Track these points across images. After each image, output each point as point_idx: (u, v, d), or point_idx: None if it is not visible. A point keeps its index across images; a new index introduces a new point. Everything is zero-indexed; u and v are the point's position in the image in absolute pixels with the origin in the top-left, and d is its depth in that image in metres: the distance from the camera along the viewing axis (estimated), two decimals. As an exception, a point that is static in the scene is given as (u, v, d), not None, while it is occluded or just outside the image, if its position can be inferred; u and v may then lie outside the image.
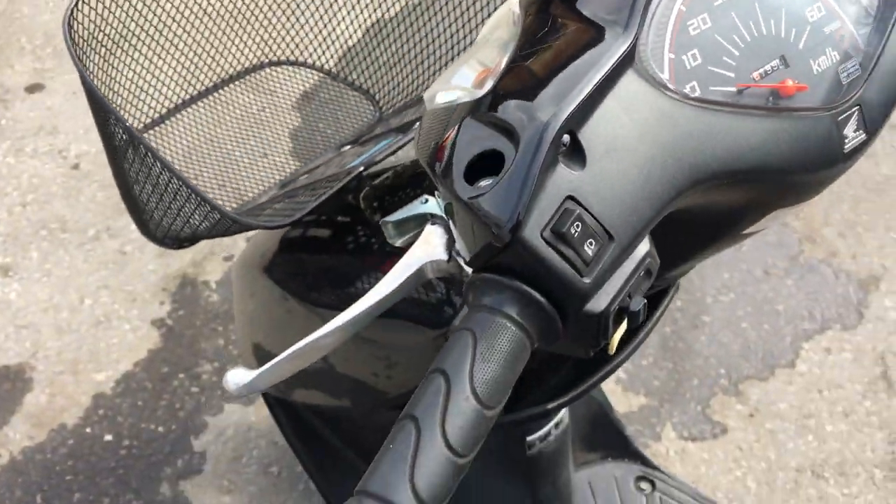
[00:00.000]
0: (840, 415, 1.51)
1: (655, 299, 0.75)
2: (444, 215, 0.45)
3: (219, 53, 0.97)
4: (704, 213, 0.47)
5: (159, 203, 0.73)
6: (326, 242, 0.81)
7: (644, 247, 0.41)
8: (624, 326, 0.43)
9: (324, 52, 1.00)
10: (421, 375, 0.66)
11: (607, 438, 1.15)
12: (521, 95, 0.40)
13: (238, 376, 0.48)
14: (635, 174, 0.40)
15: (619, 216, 0.40)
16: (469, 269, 0.43)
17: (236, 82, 1.04)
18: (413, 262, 0.45)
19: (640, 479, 1.14)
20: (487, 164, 0.40)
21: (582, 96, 0.39)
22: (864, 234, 1.79)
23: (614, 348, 0.43)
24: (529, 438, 0.89)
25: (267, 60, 1.05)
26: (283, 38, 1.00)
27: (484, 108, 0.41)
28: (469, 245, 0.42)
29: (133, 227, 1.65)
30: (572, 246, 0.38)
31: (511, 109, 0.40)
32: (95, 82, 0.75)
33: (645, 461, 1.15)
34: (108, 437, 1.49)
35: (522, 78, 0.42)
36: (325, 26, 0.97)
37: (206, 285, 1.71)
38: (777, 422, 1.51)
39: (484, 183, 0.40)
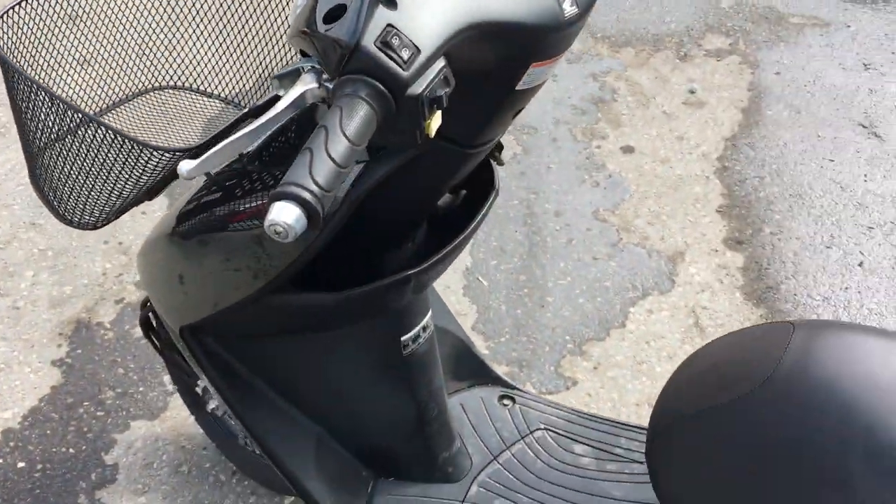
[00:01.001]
0: (666, 358, 1.81)
1: (480, 202, 1.01)
2: (314, 65, 0.69)
3: (111, 79, 1.17)
4: (483, 69, 0.74)
5: (52, 155, 0.91)
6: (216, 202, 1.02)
7: (441, 62, 0.67)
8: (438, 117, 0.68)
9: (198, 76, 1.21)
10: (293, 255, 0.87)
11: (471, 369, 1.39)
12: None
13: (188, 164, 0.69)
14: (429, 13, 0.66)
15: (422, 37, 0.65)
16: (331, 86, 0.66)
17: (123, 106, 1.24)
18: (297, 91, 0.68)
19: (502, 397, 1.37)
20: (337, 14, 0.65)
21: None
22: (668, 221, 2.16)
23: (432, 131, 0.68)
24: (403, 338, 1.11)
25: (150, 86, 1.26)
26: (164, 66, 1.21)
27: None
28: (331, 66, 0.66)
29: (23, 284, 1.83)
30: (395, 51, 0.64)
31: None
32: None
33: (505, 383, 1.39)
34: (22, 464, 1.58)
35: None
36: (197, 54, 1.19)
37: (101, 325, 1.85)
38: (616, 370, 1.79)
39: (336, 24, 0.65)
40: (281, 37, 1.13)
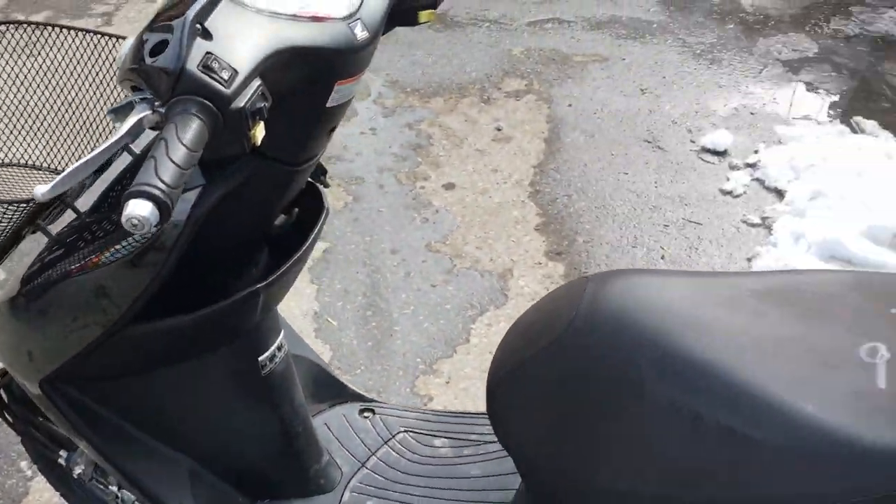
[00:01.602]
0: (509, 363, 1.98)
1: (312, 222, 1.13)
2: (145, 96, 0.79)
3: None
4: (296, 88, 0.87)
5: None
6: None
7: (258, 81, 0.79)
8: (261, 127, 0.80)
9: (25, 151, 1.26)
10: (141, 285, 0.95)
11: (330, 391, 1.48)
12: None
13: (42, 187, 0.76)
14: (241, 42, 0.78)
15: (238, 61, 0.77)
16: (164, 110, 0.77)
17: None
18: (134, 118, 0.78)
19: (363, 410, 1.47)
20: (161, 48, 0.77)
21: (202, 4, 0.77)
22: (494, 244, 2.36)
23: (258, 140, 0.80)
24: (261, 359, 1.20)
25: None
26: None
27: (153, 23, 0.79)
28: (161, 92, 0.76)
29: None
30: (216, 72, 0.75)
31: (166, 18, 0.78)
32: None
33: (364, 398, 1.49)
34: None
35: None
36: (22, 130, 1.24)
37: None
38: (467, 381, 1.93)
39: (161, 56, 0.76)
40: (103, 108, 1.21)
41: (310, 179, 1.15)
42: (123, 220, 0.67)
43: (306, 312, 2.10)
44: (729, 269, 2.24)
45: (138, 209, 0.67)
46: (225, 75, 0.76)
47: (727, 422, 0.85)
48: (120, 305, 1.00)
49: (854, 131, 2.83)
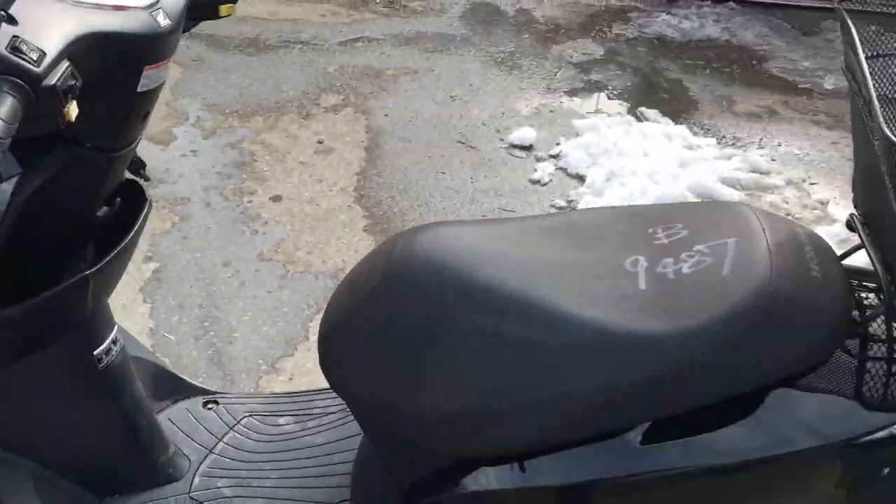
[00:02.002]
0: (348, 354, 2.07)
1: (135, 216, 1.18)
2: None
3: None
4: (106, 72, 0.93)
5: None
6: None
7: (66, 63, 0.85)
8: (74, 106, 0.86)
9: None
10: None
11: (171, 387, 1.51)
12: None
13: None
14: (47, 27, 0.84)
15: (45, 43, 0.83)
16: None
17: None
18: None
19: (206, 403, 1.51)
20: None
21: None
22: (325, 247, 2.46)
23: (72, 116, 0.86)
24: (96, 352, 1.23)
25: None
26: None
27: None
28: None
29: None
30: (25, 53, 0.81)
31: None
32: None
33: (206, 391, 1.54)
34: None
35: None
36: None
37: None
38: (310, 376, 2.01)
39: None
40: None
41: (131, 176, 1.20)
42: None
43: (141, 331, 2.10)
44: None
45: None
46: (34, 56, 0.82)
47: (522, 334, 0.99)
48: None
49: (639, 120, 3.16)
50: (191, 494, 1.34)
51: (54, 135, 0.99)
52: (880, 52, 1.03)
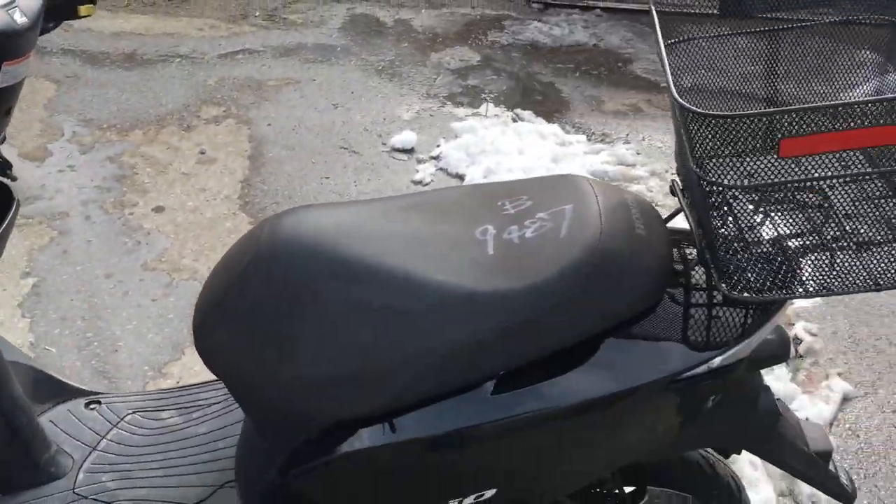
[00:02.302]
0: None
1: (1, 214, 1.20)
2: None
3: None
4: None
5: None
6: None
7: None
8: None
9: None
10: None
11: (52, 391, 1.51)
12: None
13: None
14: None
15: None
16: None
17: None
18: None
19: (88, 403, 1.53)
20: None
21: None
22: (211, 254, 2.48)
23: None
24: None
25: None
26: None
27: None
28: None
29: None
30: None
31: None
32: None
33: (88, 392, 1.55)
34: None
35: None
36: None
37: None
38: (198, 377, 2.02)
39: None
40: None
41: (-1, 178, 1.22)
42: None
43: (21, 344, 2.07)
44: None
45: None
46: None
47: (385, 301, 1.07)
48: None
49: (514, 120, 3.31)
50: (75, 490, 1.36)
51: None
52: (679, 38, 1.18)
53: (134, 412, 1.51)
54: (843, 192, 1.10)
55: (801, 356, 2.25)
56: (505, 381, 1.08)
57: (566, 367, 1.08)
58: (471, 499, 1.13)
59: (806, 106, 0.87)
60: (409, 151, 3.08)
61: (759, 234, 1.08)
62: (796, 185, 0.97)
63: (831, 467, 1.32)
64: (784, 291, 1.02)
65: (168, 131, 3.10)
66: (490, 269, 1.08)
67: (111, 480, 1.38)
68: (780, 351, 1.21)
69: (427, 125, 3.27)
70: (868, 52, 1.17)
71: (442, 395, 1.09)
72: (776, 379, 2.10)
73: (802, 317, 2.40)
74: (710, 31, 1.25)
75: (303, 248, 1.12)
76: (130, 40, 3.76)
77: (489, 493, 1.13)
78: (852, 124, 0.84)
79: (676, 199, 1.22)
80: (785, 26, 1.22)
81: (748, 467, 1.88)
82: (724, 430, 1.21)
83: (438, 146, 3.10)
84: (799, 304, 2.45)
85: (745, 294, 1.03)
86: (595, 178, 2.88)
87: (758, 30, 1.25)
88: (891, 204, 1.06)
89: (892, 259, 1.01)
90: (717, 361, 1.09)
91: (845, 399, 2.13)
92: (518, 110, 3.39)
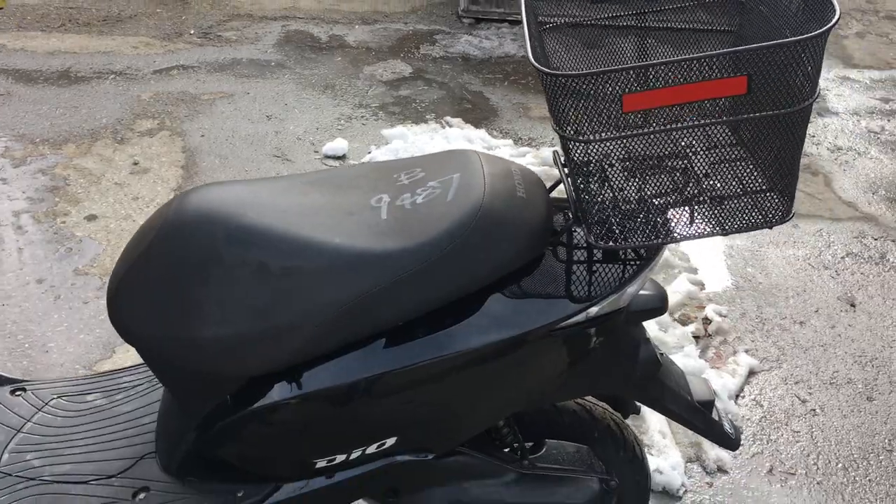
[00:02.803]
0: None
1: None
2: None
3: None
4: None
5: None
6: None
7: None
8: None
9: None
10: None
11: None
12: None
13: None
14: None
15: None
16: None
17: None
18: None
19: (14, 390, 1.57)
20: None
21: None
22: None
23: None
24: None
25: None
26: None
27: None
28: None
29: None
30: None
31: None
32: None
33: (13, 380, 1.59)
34: None
35: None
36: None
37: None
38: (129, 374, 2.07)
39: None
40: None
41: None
42: None
43: (-50, 349, 2.09)
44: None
45: None
46: None
47: (282, 263, 1.15)
48: None
49: (444, 127, 3.42)
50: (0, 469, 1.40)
51: None
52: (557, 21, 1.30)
53: (59, 397, 1.56)
54: (703, 158, 1.22)
55: (709, 335, 2.38)
56: (398, 334, 1.17)
57: (456, 320, 1.17)
58: (374, 447, 1.21)
59: (640, 64, 0.98)
60: (340, 158, 3.17)
61: (627, 194, 1.19)
62: (643, 136, 1.08)
63: (714, 415, 1.43)
64: (643, 238, 1.13)
65: (101, 144, 3.15)
66: (382, 232, 1.17)
67: (35, 458, 1.42)
68: (658, 304, 1.32)
69: (359, 133, 3.36)
70: (723, 29, 1.30)
71: (339, 349, 1.17)
72: (685, 356, 2.23)
73: (713, 300, 2.53)
74: (586, 17, 1.37)
75: (206, 217, 1.20)
76: (64, 59, 3.79)
77: (390, 442, 1.22)
78: (681, 80, 0.95)
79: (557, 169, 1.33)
80: (652, 9, 1.35)
81: (657, 436, 1.99)
82: (607, 377, 1.31)
83: (369, 152, 3.20)
84: (710, 288, 2.59)
85: (610, 243, 1.14)
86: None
87: (629, 13, 1.37)
88: (741, 165, 1.18)
89: (738, 209, 1.13)
90: (594, 310, 1.20)
91: (751, 373, 2.27)
92: (448, 118, 3.51)
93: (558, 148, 1.36)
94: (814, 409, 2.17)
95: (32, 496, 1.35)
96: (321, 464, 1.22)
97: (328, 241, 1.16)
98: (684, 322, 2.42)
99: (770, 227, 1.10)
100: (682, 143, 1.21)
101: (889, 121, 3.82)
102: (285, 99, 3.62)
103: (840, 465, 2.01)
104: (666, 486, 1.89)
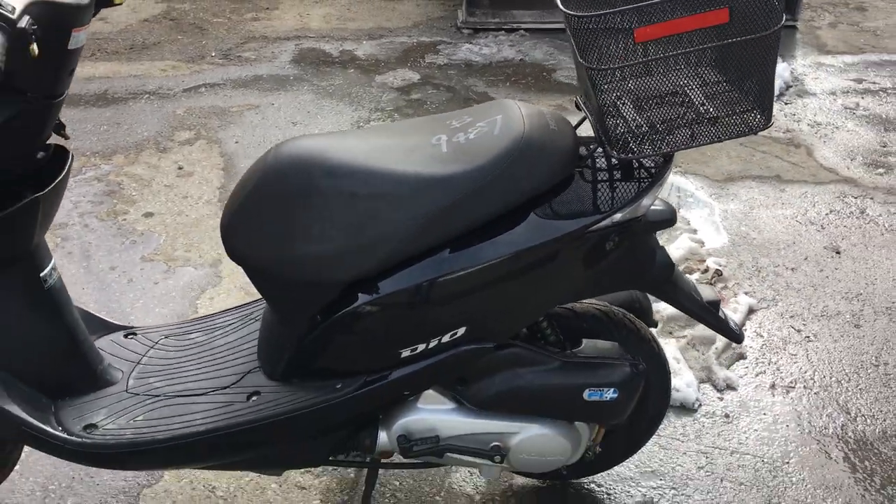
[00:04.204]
0: (235, 318, 2.42)
1: (60, 166, 1.55)
2: None
3: None
4: (51, 32, 1.31)
5: None
6: None
7: (27, 17, 1.24)
8: (35, 45, 1.24)
9: None
10: None
11: (93, 325, 1.81)
12: None
13: None
14: None
15: (13, 3, 1.22)
16: None
17: None
18: None
19: (126, 335, 1.84)
20: None
21: None
22: (201, 245, 2.81)
23: (35, 53, 1.24)
24: (42, 274, 1.57)
25: None
26: None
27: None
28: None
29: None
30: (4, 7, 1.20)
31: None
32: None
33: (125, 327, 1.86)
34: None
35: None
36: None
37: None
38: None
39: None
40: None
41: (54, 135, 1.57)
42: None
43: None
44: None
45: None
46: (9, 9, 1.21)
47: (368, 191, 1.44)
48: None
49: (456, 123, 3.73)
50: (127, 390, 1.68)
51: (2, 86, 1.36)
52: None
53: (166, 337, 1.84)
54: (697, 92, 1.52)
55: (712, 283, 2.67)
56: (464, 241, 1.46)
57: (508, 227, 1.47)
58: (447, 336, 1.50)
59: (649, 2, 1.29)
60: (365, 155, 3.47)
61: (640, 121, 1.49)
62: (654, 61, 1.39)
63: (721, 315, 1.72)
64: (655, 149, 1.43)
65: (147, 153, 3.44)
66: (446, 160, 1.47)
67: (157, 381, 1.70)
68: (669, 216, 1.61)
69: (379, 133, 3.66)
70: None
71: (418, 256, 1.46)
72: (692, 297, 2.51)
73: (713, 254, 2.83)
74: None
75: (302, 159, 1.50)
76: (100, 83, 4.10)
77: (461, 331, 1.50)
78: (678, 14, 1.26)
79: (581, 112, 1.63)
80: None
81: (672, 361, 2.27)
82: (630, 276, 1.61)
83: (391, 149, 3.50)
84: (709, 245, 2.88)
85: (630, 154, 1.44)
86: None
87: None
88: (728, 93, 1.48)
89: (729, 125, 1.43)
90: (617, 216, 1.49)
91: (750, 311, 2.56)
92: (458, 116, 3.82)
93: (578, 96, 1.66)
94: (808, 337, 2.45)
95: (163, 407, 1.63)
96: (405, 353, 1.51)
97: (405, 169, 1.45)
98: (688, 272, 2.71)
99: (755, 133, 1.40)
100: (681, 83, 1.51)
101: (863, 98, 4.15)
102: (307, 108, 3.93)
103: (833, 378, 2.29)
104: (682, 401, 2.17)
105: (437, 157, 1.48)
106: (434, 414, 1.61)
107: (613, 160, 1.56)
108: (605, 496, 1.91)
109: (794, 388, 2.25)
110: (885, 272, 2.76)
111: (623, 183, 1.53)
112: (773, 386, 2.25)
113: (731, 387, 2.24)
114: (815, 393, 2.23)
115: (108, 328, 1.86)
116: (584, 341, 1.68)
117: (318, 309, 1.52)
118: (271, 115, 3.83)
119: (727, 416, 2.15)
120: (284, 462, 1.68)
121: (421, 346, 1.50)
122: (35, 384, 1.60)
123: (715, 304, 1.71)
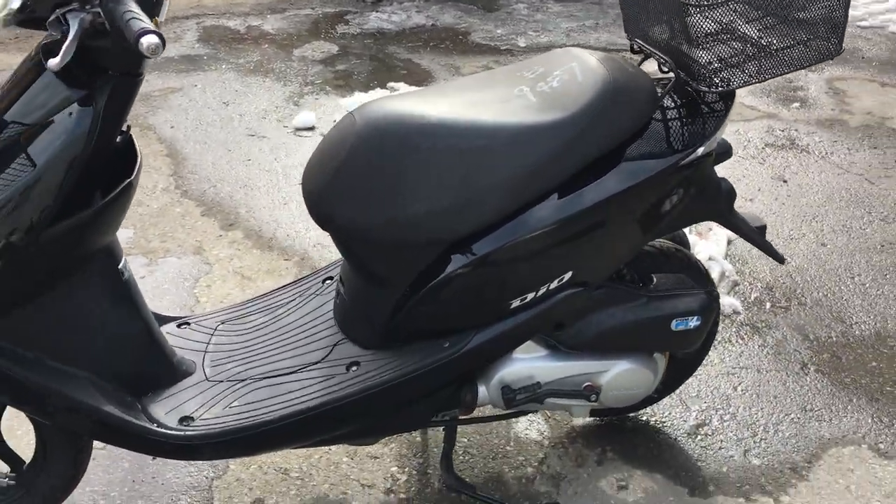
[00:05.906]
0: (241, 303, 2.33)
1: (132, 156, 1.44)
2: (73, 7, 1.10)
3: None
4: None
5: None
6: None
7: None
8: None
9: None
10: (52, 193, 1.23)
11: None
12: None
13: (53, 60, 1.05)
14: None
15: None
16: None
17: None
18: (76, 19, 1.08)
19: (179, 325, 1.73)
20: None
21: None
22: (175, 234, 2.66)
23: (159, 23, 1.15)
24: (119, 266, 1.46)
25: None
26: None
27: None
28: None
29: None
30: None
31: None
32: None
33: (176, 318, 1.75)
34: None
35: None
36: None
37: None
38: (216, 326, 2.24)
39: None
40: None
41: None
42: (145, 49, 1.02)
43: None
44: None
45: (153, 39, 1.03)
46: None
47: (466, 145, 1.44)
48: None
49: (392, 91, 3.70)
50: (208, 379, 1.59)
51: (93, 66, 1.26)
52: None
53: (222, 322, 1.75)
54: (754, 29, 1.60)
55: (687, 219, 2.82)
56: (566, 187, 1.49)
57: (607, 170, 1.50)
58: (555, 282, 1.52)
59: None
60: (310, 129, 3.38)
61: (714, 55, 1.56)
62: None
63: (768, 237, 1.84)
64: (734, 83, 1.51)
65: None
66: (539, 109, 1.48)
67: (235, 366, 1.62)
68: (728, 148, 1.70)
69: (319, 105, 3.58)
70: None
71: (523, 207, 1.47)
72: (679, 234, 2.65)
73: (678, 194, 2.98)
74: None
75: (393, 119, 1.47)
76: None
77: (567, 276, 1.53)
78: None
79: (640, 54, 1.68)
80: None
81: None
82: (705, 207, 1.69)
83: (335, 120, 3.42)
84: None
85: (715, 88, 1.51)
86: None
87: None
88: (786, 24, 1.58)
89: (792, 56, 1.53)
90: (700, 151, 1.56)
91: (728, 241, 2.73)
92: (391, 83, 3.79)
93: (631, 37, 1.71)
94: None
95: (254, 391, 1.56)
96: (515, 303, 1.52)
97: (501, 120, 1.46)
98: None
99: (829, 59, 1.51)
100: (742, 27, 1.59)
101: (757, 41, 4.45)
102: (233, 86, 3.76)
103: (817, 294, 2.50)
104: (700, 329, 2.30)
105: (532, 107, 1.49)
106: (531, 362, 1.63)
107: (680, 99, 1.62)
108: (661, 424, 2.01)
109: (789, 307, 2.44)
110: (830, 194, 3.02)
111: (698, 119, 1.60)
112: (773, 305, 2.43)
113: (735, 312, 2.40)
114: (809, 308, 2.43)
115: (161, 320, 1.74)
116: (655, 277, 1.75)
117: (420, 270, 1.50)
118: (198, 97, 3.64)
119: (742, 338, 2.31)
120: (386, 429, 1.65)
121: (530, 295, 1.52)
122: (117, 382, 1.49)
123: (762, 230, 1.82)
